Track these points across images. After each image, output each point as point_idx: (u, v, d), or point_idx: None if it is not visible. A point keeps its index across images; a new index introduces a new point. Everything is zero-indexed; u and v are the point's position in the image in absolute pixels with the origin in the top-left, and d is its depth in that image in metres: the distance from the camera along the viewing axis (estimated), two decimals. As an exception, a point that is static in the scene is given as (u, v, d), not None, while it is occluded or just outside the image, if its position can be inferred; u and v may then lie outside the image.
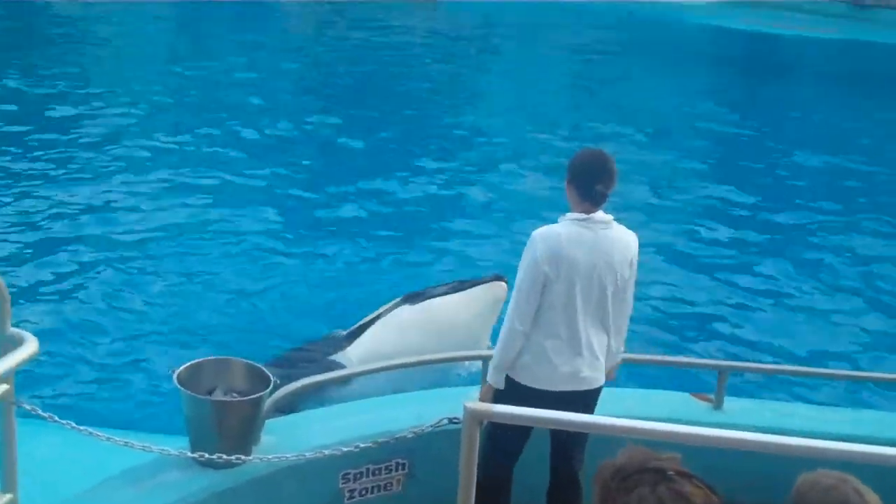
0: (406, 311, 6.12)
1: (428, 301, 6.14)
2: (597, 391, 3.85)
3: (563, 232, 3.75)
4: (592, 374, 3.87)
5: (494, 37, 18.21)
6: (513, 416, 2.73)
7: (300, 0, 19.83)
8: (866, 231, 9.37)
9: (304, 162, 10.47)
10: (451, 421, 3.75)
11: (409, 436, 3.82)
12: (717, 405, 4.51)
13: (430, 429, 3.77)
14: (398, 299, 6.23)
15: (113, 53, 14.94)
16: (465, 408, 2.55)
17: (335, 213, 9.01)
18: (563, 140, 11.33)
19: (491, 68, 16.17)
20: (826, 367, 6.48)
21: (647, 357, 5.11)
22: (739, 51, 18.76)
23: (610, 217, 3.77)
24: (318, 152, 10.94)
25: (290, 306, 7.12)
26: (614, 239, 3.79)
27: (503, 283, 6.07)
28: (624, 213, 4.00)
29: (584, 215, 3.75)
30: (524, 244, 3.76)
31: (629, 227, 3.85)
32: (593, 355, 3.86)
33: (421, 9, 19.64)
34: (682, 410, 4.45)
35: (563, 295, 3.76)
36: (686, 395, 4.63)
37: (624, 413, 3.75)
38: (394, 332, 6.04)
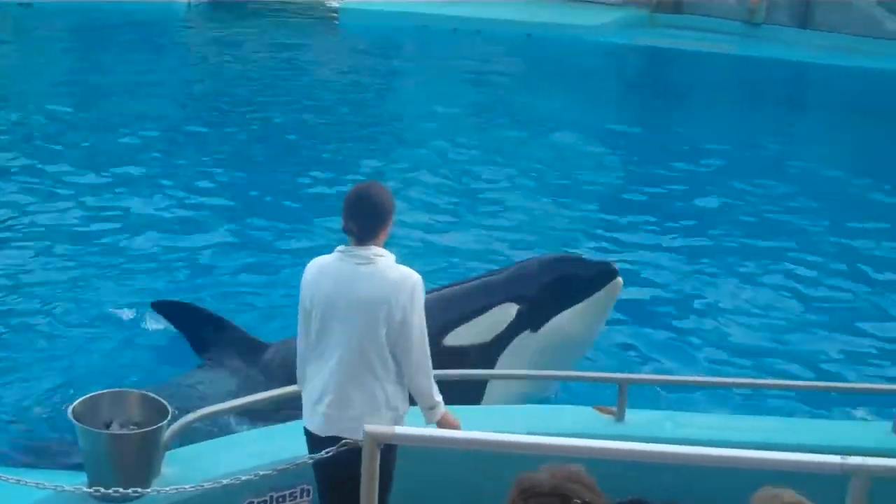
0: (533, 339, 5.70)
1: (552, 321, 5.72)
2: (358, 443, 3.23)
3: (323, 263, 3.69)
4: (339, 422, 3.67)
5: (395, 60, 18.31)
6: (413, 437, 2.74)
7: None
8: (759, 241, 9.66)
9: (200, 183, 10.44)
10: (349, 446, 3.65)
11: (310, 462, 3.80)
12: (620, 417, 4.59)
13: (329, 454, 3.75)
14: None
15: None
16: (364, 431, 2.56)
17: (242, 238, 9.00)
18: (464, 161, 11.48)
19: (392, 92, 16.25)
20: (727, 375, 6.65)
21: (550, 373, 5.18)
22: (640, 67, 19.15)
23: (378, 253, 3.64)
24: (215, 172, 10.91)
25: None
26: (373, 276, 3.63)
27: (619, 278, 5.78)
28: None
29: (347, 247, 3.69)
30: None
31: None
32: (345, 401, 3.66)
33: (322, 31, 19.71)
34: (586, 424, 4.52)
35: (316, 328, 3.68)
36: (589, 408, 4.71)
37: (530, 429, 3.79)
38: (527, 362, 5.61)
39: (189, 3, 20.58)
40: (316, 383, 3.63)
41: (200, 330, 6.40)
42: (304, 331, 3.67)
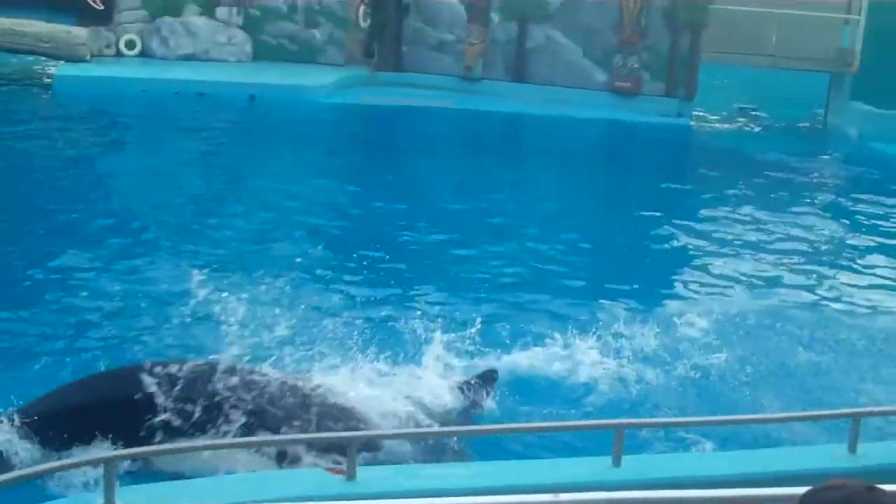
0: None
1: None
2: None
3: None
4: None
5: (115, 126, 17.86)
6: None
7: None
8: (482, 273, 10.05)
9: None
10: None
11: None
12: (351, 476, 4.65)
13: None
14: None
15: None
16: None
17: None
18: (187, 220, 11.37)
19: (112, 156, 15.84)
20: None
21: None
22: (363, 124, 19.57)
23: None
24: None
25: None
26: None
27: None
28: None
29: None
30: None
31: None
32: None
33: (36, 99, 19.00)
34: (317, 485, 4.56)
35: None
36: (320, 469, 4.76)
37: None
38: None
39: None
40: None
41: None
42: None
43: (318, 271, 10.30)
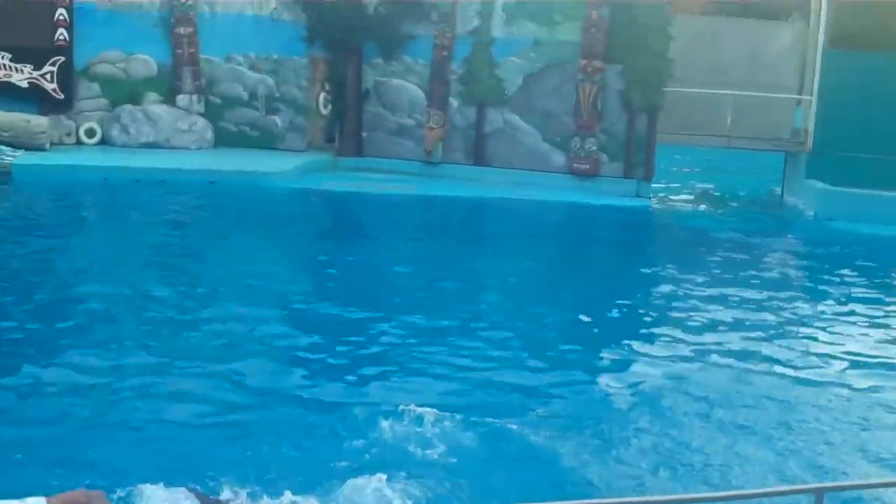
0: None
1: None
2: None
3: None
4: None
5: (75, 214, 17.88)
6: None
7: None
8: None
9: None
10: None
11: None
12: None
13: None
14: None
15: None
16: None
17: None
18: (151, 307, 11.35)
19: (74, 245, 15.80)
20: None
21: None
22: (325, 210, 19.71)
23: None
24: None
25: None
26: None
27: None
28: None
29: None
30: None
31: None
32: None
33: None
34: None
35: None
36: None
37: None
38: None
39: None
40: None
41: None
42: None
43: (282, 355, 10.32)
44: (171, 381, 9.35)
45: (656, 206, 21.75)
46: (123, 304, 11.93)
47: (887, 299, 13.81)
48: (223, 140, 22.79)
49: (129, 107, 22.27)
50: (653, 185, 22.18)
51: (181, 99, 22.53)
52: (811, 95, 22.15)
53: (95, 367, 9.66)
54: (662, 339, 11.57)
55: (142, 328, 11.04)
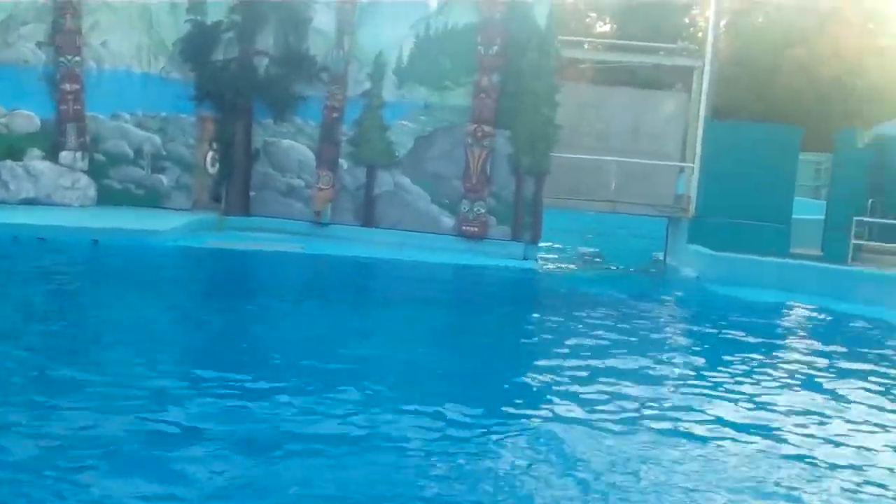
0: None
1: None
2: None
3: None
4: None
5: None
6: None
7: None
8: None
9: None
10: None
11: None
12: None
13: None
14: None
15: None
16: None
17: None
18: (27, 369, 11.09)
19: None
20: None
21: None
22: (209, 269, 19.56)
23: None
24: None
25: None
26: None
27: None
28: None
29: None
30: None
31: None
32: None
33: None
34: None
35: None
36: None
37: None
38: None
39: None
40: None
41: None
42: None
43: (164, 425, 10.18)
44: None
45: (543, 268, 22.17)
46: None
47: (766, 360, 14.28)
48: (107, 198, 22.57)
49: (9, 162, 21.94)
50: (540, 247, 22.65)
51: (64, 156, 22.28)
52: (693, 163, 22.98)
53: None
54: (541, 398, 11.75)
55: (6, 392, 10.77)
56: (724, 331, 16.15)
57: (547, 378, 12.63)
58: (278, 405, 10.60)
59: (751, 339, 15.64)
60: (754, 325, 17.09)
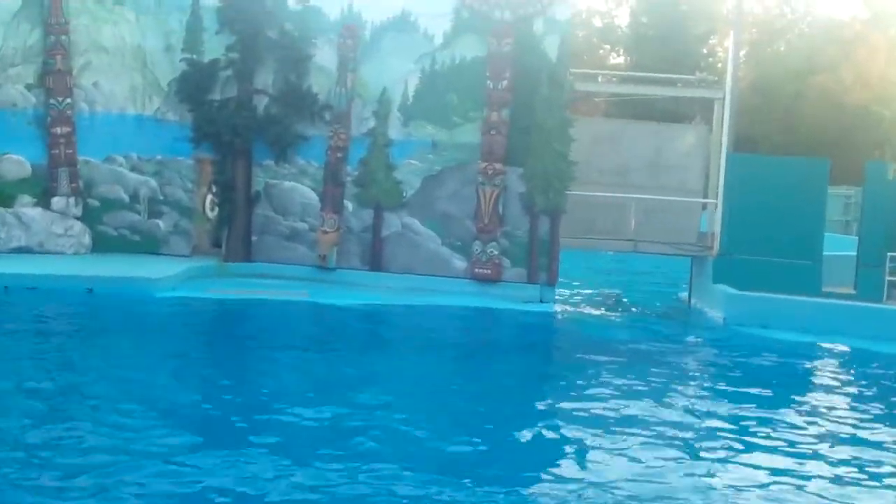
0: None
1: None
2: None
3: None
4: None
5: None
6: None
7: None
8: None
9: None
10: None
11: None
12: None
13: None
14: None
15: None
16: None
17: None
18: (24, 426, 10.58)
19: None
20: None
21: None
22: (210, 317, 18.98)
23: None
24: None
25: None
26: None
27: None
28: None
29: None
30: None
31: None
32: None
33: None
34: None
35: None
36: None
37: None
38: None
39: None
40: None
41: None
42: None
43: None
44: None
45: (560, 311, 21.51)
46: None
47: (802, 407, 13.60)
48: (102, 245, 22.09)
49: (-1, 209, 21.47)
50: (557, 290, 22.01)
51: (57, 201, 21.81)
52: (716, 199, 22.36)
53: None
54: (564, 450, 11.13)
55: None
56: (755, 377, 15.46)
57: (567, 430, 11.98)
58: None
59: (786, 387, 14.97)
60: (788, 370, 16.41)
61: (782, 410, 13.29)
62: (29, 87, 21.94)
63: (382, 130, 22.11)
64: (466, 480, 9.82)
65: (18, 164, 21.83)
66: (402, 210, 22.11)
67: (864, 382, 15.78)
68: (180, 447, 10.45)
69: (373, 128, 22.14)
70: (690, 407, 13.26)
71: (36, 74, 21.91)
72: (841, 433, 12.34)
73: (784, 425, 12.53)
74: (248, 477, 9.64)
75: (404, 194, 22.07)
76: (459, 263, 21.89)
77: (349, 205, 22.16)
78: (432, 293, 21.00)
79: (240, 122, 22.05)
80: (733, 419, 12.73)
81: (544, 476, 10.19)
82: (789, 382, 15.36)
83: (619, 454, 10.91)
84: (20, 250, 21.34)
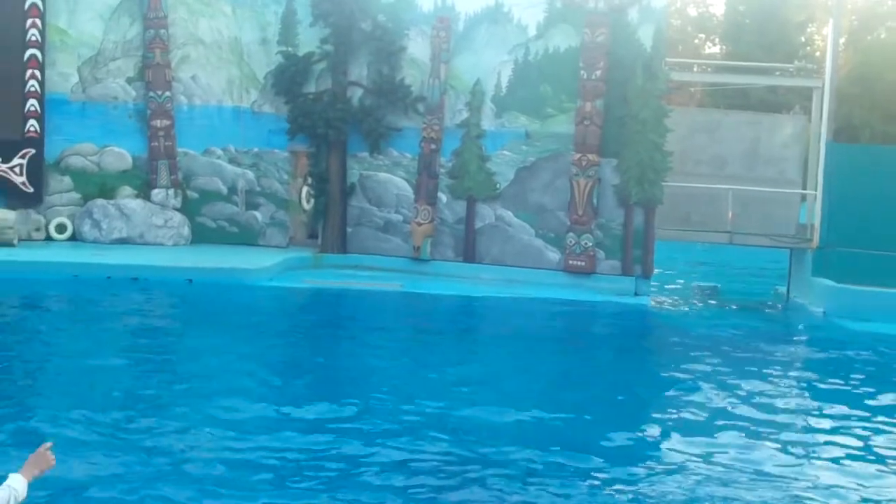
0: None
1: None
2: None
3: None
4: None
5: (45, 313, 17.72)
6: None
7: None
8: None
9: None
10: None
11: None
12: None
13: None
14: None
15: None
16: None
17: None
18: (127, 408, 11.19)
19: (40, 348, 15.61)
20: None
21: None
22: (307, 307, 19.58)
23: None
24: None
25: None
26: None
27: None
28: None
29: None
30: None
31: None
32: None
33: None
34: None
35: None
36: None
37: None
38: None
39: None
40: None
41: None
42: None
43: (263, 466, 10.11)
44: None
45: (655, 304, 21.72)
46: (87, 411, 11.70)
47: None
48: (201, 236, 22.85)
49: (101, 201, 22.36)
50: (652, 282, 22.21)
51: (157, 193, 22.64)
52: (815, 190, 22.36)
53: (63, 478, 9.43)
54: (670, 445, 11.42)
55: (108, 435, 10.82)
56: (858, 372, 15.54)
57: (670, 423, 12.27)
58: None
59: (888, 380, 15.04)
60: (891, 364, 16.46)
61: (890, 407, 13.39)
62: (129, 81, 22.83)
63: (475, 122, 22.52)
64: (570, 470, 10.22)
65: (120, 156, 22.74)
66: (495, 201, 22.50)
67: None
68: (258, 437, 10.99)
69: (466, 119, 22.55)
70: (790, 404, 13.45)
71: (136, 68, 22.78)
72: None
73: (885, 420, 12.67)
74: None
75: (497, 186, 22.45)
76: (553, 255, 22.20)
77: (443, 196, 22.62)
78: (526, 285, 21.35)
79: (334, 114, 22.64)
80: (840, 417, 12.84)
81: (647, 471, 10.51)
82: (890, 378, 15.42)
83: (722, 451, 11.18)
84: (122, 241, 22.19)
